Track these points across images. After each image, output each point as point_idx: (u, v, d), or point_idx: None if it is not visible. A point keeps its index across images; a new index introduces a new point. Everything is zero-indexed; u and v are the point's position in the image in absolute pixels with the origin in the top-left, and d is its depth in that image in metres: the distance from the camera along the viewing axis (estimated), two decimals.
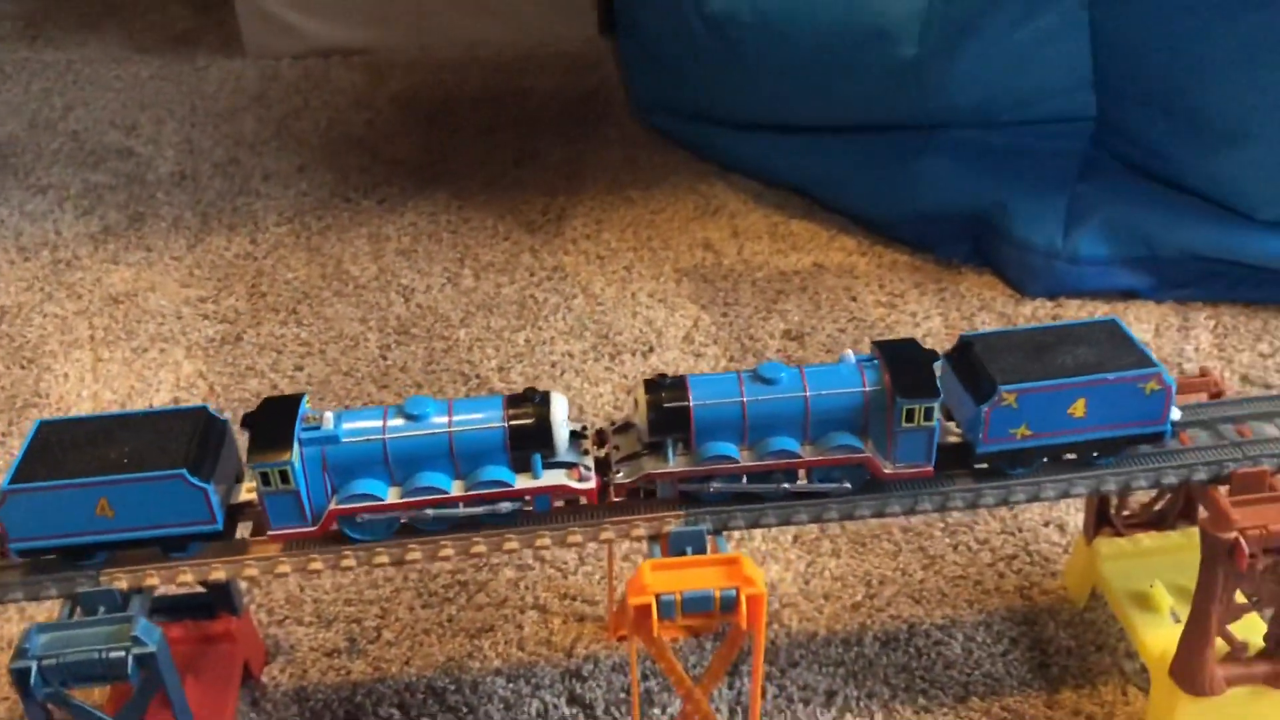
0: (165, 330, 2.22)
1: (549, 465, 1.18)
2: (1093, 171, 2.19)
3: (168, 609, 1.41)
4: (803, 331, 2.15)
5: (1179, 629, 1.30)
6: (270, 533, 1.17)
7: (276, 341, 2.17)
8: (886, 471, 1.20)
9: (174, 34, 3.68)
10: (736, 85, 2.46)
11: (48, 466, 1.14)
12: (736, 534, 1.69)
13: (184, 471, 1.12)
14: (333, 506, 1.16)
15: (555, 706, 1.45)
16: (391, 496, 1.16)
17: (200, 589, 1.40)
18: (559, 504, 1.22)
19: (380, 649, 1.53)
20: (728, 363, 2.07)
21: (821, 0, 2.17)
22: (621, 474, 1.20)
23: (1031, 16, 2.00)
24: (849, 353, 1.22)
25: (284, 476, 1.13)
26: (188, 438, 1.15)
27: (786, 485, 1.21)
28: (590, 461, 1.21)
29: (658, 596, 1.14)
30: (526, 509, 1.20)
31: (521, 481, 1.17)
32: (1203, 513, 1.30)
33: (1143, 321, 2.10)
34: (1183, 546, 1.46)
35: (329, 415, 1.15)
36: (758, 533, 1.69)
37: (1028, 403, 1.18)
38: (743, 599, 1.14)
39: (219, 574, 1.18)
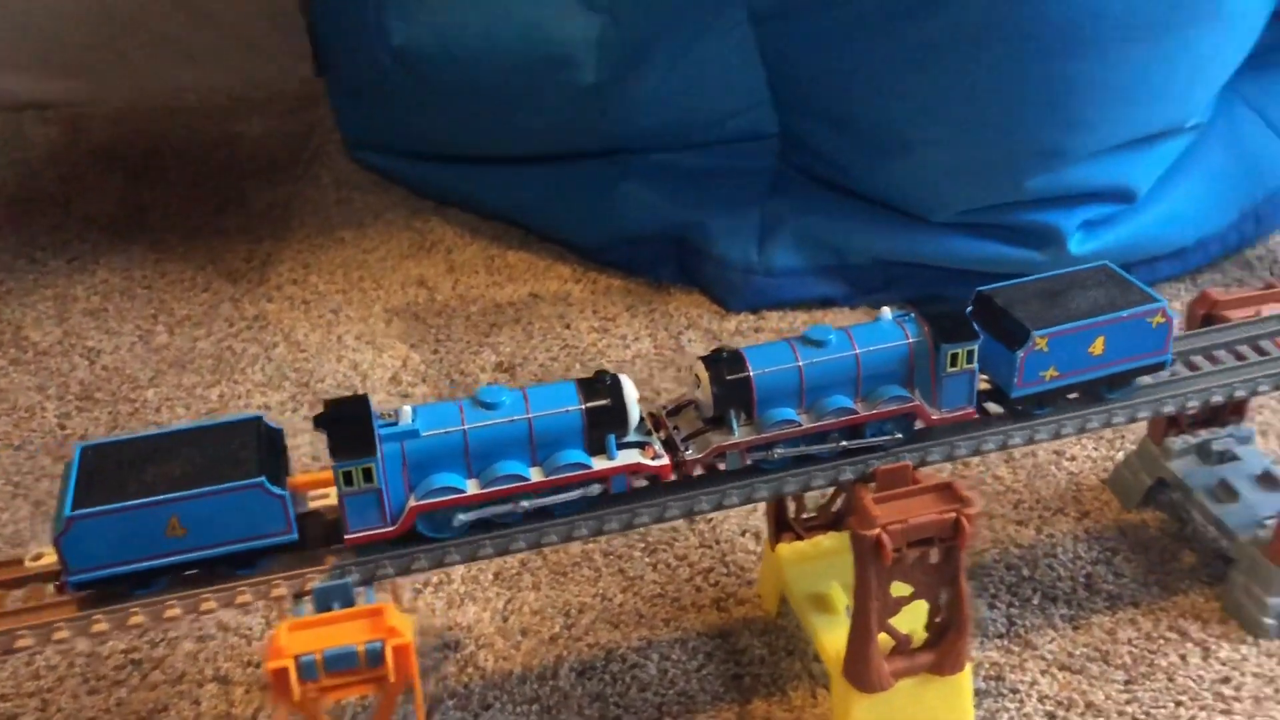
0: None
1: (622, 446, 1.18)
2: (782, 186, 2.25)
3: None
4: (514, 363, 2.13)
5: None
6: (348, 537, 1.13)
7: None
8: (934, 418, 1.25)
9: None
10: (432, 118, 2.43)
11: (108, 490, 1.07)
12: (435, 577, 1.64)
13: (263, 480, 1.08)
14: (414, 503, 1.13)
15: None
16: (471, 488, 1.14)
17: None
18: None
19: None
20: (436, 400, 2.02)
21: (502, 29, 2.16)
22: (690, 451, 1.21)
23: (702, 39, 2.04)
24: (886, 310, 1.27)
25: (367, 475, 1.10)
26: (253, 447, 1.11)
27: (845, 443, 1.24)
28: (658, 440, 1.21)
29: (296, 658, 1.08)
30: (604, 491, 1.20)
31: (599, 463, 1.17)
32: None
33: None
34: None
35: (407, 410, 1.14)
36: (456, 574, 1.64)
37: (1057, 345, 1.26)
38: (388, 651, 1.09)
39: None
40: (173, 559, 1.09)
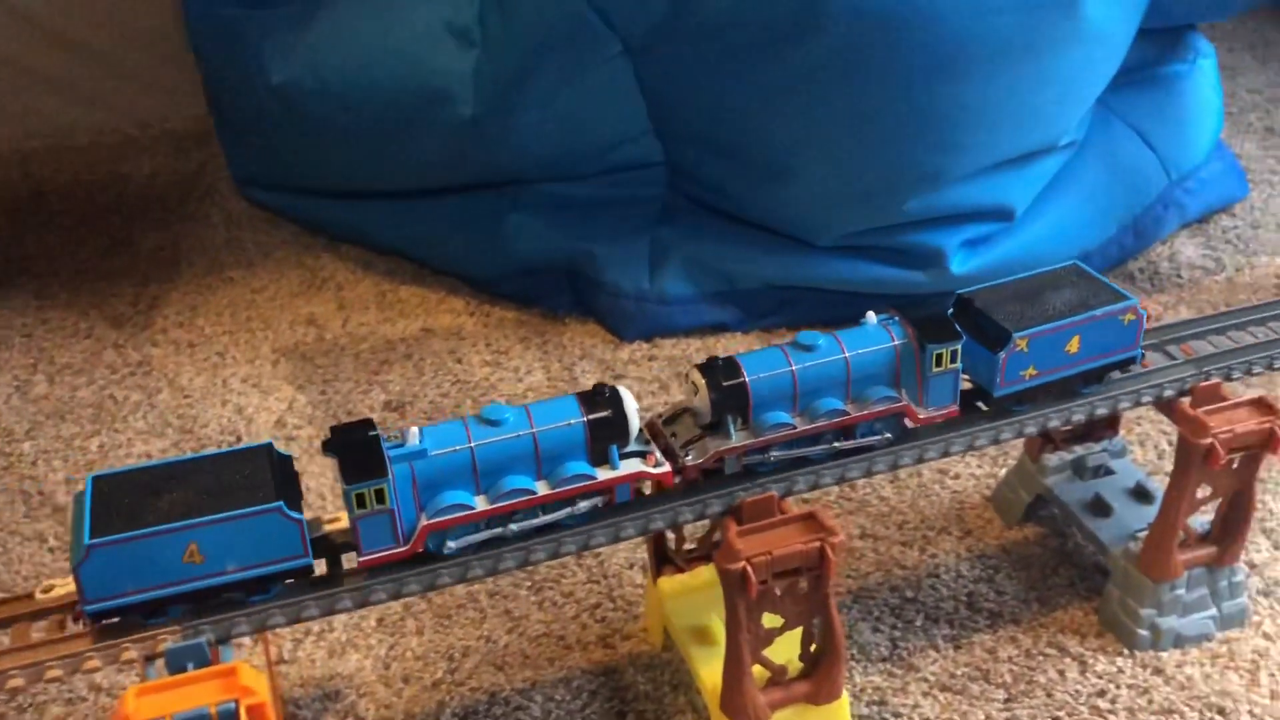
0: None
1: (624, 456, 1.21)
2: (671, 214, 2.25)
3: None
4: (404, 401, 2.10)
5: None
6: (362, 559, 1.16)
7: None
8: (922, 417, 1.29)
9: None
10: (317, 155, 2.41)
11: (125, 518, 1.08)
12: (316, 627, 1.61)
13: (281, 504, 1.09)
14: (425, 522, 1.15)
15: None
16: (480, 504, 1.17)
17: None
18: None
19: None
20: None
21: (379, 66, 2.14)
22: (690, 456, 1.25)
23: (578, 72, 2.04)
24: (870, 314, 1.30)
25: (380, 496, 1.12)
26: (267, 473, 1.12)
27: (837, 444, 1.28)
28: (657, 448, 1.24)
29: None
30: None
31: (603, 474, 1.20)
32: None
33: (733, 352, 2.17)
34: None
35: (414, 430, 1.15)
36: (338, 621, 1.61)
37: (1036, 345, 1.31)
38: (242, 711, 1.07)
39: None
40: (191, 585, 1.10)
